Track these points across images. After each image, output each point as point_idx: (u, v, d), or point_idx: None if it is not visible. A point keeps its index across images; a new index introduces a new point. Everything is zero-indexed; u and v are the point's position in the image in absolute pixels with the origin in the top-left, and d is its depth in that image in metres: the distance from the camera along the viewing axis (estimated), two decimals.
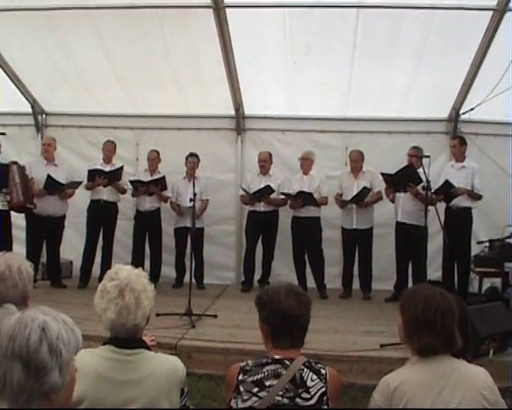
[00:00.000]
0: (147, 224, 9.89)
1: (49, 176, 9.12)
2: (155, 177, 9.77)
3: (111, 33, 8.78)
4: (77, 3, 8.30)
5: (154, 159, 9.93)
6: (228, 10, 8.21)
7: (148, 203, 9.81)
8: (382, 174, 8.96)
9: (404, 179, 8.71)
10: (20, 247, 9.12)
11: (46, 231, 9.41)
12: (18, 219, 9.32)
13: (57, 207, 9.39)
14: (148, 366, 2.81)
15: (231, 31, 8.49)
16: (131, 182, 9.68)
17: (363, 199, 9.23)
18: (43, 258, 9.77)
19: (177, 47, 8.95)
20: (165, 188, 9.77)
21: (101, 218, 9.70)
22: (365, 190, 9.20)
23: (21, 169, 8.90)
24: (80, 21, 8.56)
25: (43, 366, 1.87)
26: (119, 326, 2.81)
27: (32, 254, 8.59)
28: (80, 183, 9.49)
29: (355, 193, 9.22)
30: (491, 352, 6.13)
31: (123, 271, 2.90)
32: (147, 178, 9.78)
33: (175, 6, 8.22)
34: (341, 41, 8.60)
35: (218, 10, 8.14)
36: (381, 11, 8.07)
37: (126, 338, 2.83)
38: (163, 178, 9.69)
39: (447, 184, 8.68)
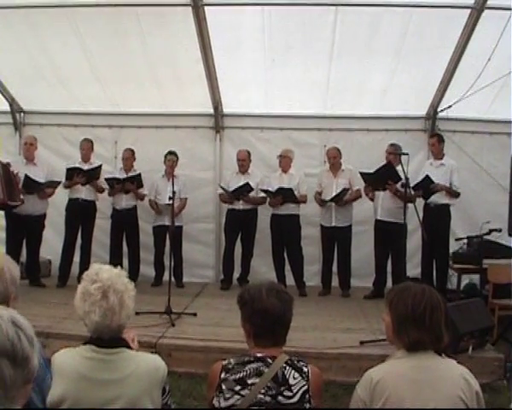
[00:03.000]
0: (124, 222, 9.86)
1: (26, 176, 9.01)
2: (131, 174, 9.73)
3: (89, 31, 8.69)
4: (55, 1, 8.25)
5: (129, 158, 9.88)
6: (206, 8, 8.18)
7: (125, 201, 9.76)
8: (361, 173, 8.93)
9: (383, 178, 8.72)
10: None
11: (26, 230, 9.32)
12: None
13: (36, 206, 9.28)
14: (130, 365, 2.79)
15: (210, 29, 8.47)
16: (107, 180, 9.61)
17: (342, 198, 9.23)
18: (23, 257, 9.67)
19: (155, 45, 8.90)
20: (142, 185, 9.73)
21: (80, 217, 9.62)
22: (344, 191, 9.20)
23: (5, 167, 8.79)
24: (59, 19, 8.49)
25: (27, 356, 1.88)
26: (103, 328, 2.79)
27: (12, 253, 8.41)
28: (59, 182, 9.41)
29: (334, 191, 9.22)
30: (471, 348, 6.19)
31: (103, 272, 2.86)
32: (122, 176, 9.73)
33: (154, 4, 8.21)
34: (320, 39, 8.62)
35: (197, 8, 8.11)
36: (359, 10, 8.10)
37: (109, 338, 2.81)
38: (138, 175, 9.64)
39: (427, 179, 8.72)
